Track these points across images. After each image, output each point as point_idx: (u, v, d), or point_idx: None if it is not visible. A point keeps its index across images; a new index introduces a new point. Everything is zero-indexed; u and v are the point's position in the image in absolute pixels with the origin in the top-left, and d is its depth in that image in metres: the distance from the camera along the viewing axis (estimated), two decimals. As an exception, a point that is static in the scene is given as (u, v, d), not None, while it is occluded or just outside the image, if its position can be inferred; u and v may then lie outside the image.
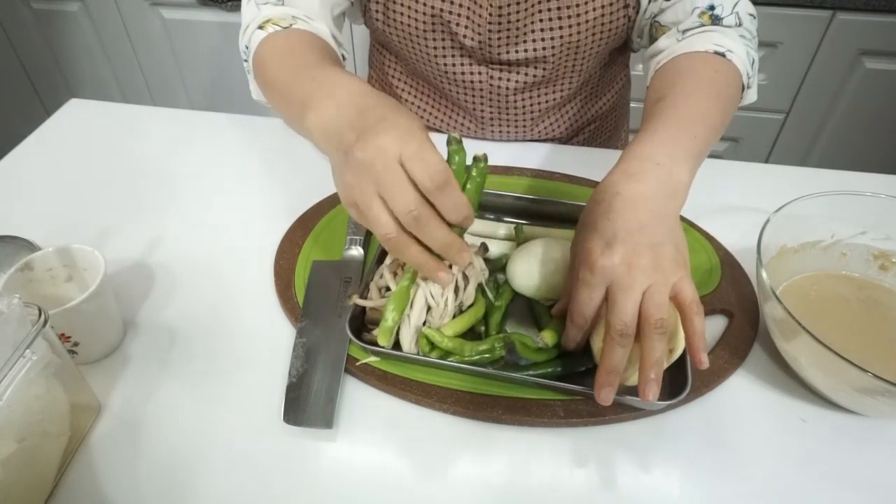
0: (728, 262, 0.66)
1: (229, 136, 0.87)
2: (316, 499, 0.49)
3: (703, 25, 0.70)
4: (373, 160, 0.45)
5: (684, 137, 0.55)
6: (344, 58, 0.73)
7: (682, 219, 0.71)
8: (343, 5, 0.75)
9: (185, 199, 0.76)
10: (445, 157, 0.49)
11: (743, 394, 0.56)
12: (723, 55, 0.65)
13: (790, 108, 1.49)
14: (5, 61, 1.84)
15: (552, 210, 0.70)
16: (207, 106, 1.82)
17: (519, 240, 0.66)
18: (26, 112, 1.96)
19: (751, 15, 0.71)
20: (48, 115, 0.91)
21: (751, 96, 0.71)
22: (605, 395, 0.47)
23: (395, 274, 0.59)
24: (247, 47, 0.69)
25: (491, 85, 0.80)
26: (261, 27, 0.67)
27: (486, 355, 0.55)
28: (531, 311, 0.61)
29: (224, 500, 0.49)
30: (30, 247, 0.65)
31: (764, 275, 0.53)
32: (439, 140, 0.85)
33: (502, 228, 0.68)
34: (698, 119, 0.58)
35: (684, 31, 0.70)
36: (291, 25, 0.67)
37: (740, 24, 0.69)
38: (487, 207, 0.71)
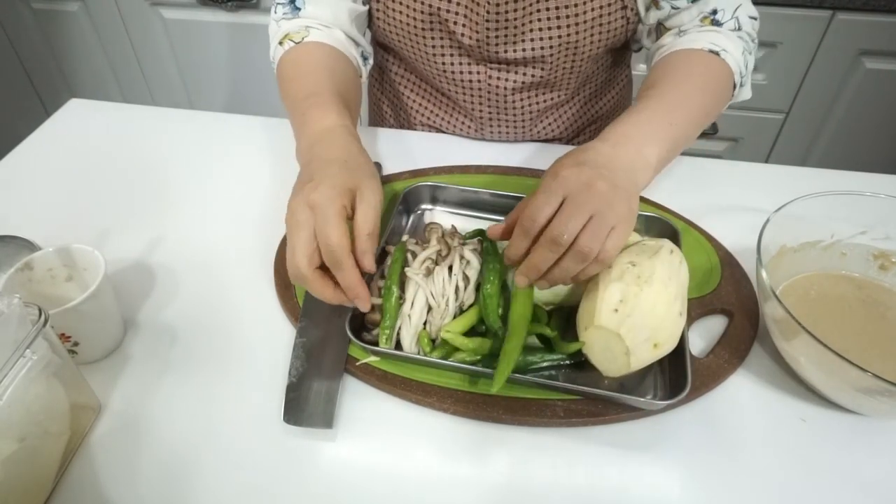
0: (728, 262, 0.66)
1: (230, 135, 0.87)
2: (316, 499, 0.49)
3: (702, 27, 0.72)
4: (314, 204, 0.52)
5: (661, 123, 0.61)
6: (365, 57, 0.79)
7: (682, 219, 0.71)
8: (362, 7, 0.77)
9: (186, 198, 0.76)
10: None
11: (743, 394, 0.56)
12: (717, 54, 0.69)
13: (790, 108, 1.49)
14: (5, 61, 1.83)
15: (552, 210, 0.70)
16: (207, 106, 1.82)
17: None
18: (26, 112, 1.95)
19: (752, 18, 0.73)
20: (48, 115, 0.91)
21: (745, 94, 0.74)
22: (521, 281, 0.54)
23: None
24: (272, 61, 0.77)
25: (489, 84, 0.80)
26: (280, 43, 0.74)
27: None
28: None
29: (224, 500, 0.49)
30: (30, 247, 0.65)
31: (764, 275, 0.53)
32: (442, 139, 0.85)
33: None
34: (679, 108, 0.63)
35: (686, 31, 0.73)
36: (304, 38, 0.72)
37: (739, 29, 0.72)
38: (487, 208, 0.71)
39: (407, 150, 0.82)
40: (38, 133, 0.88)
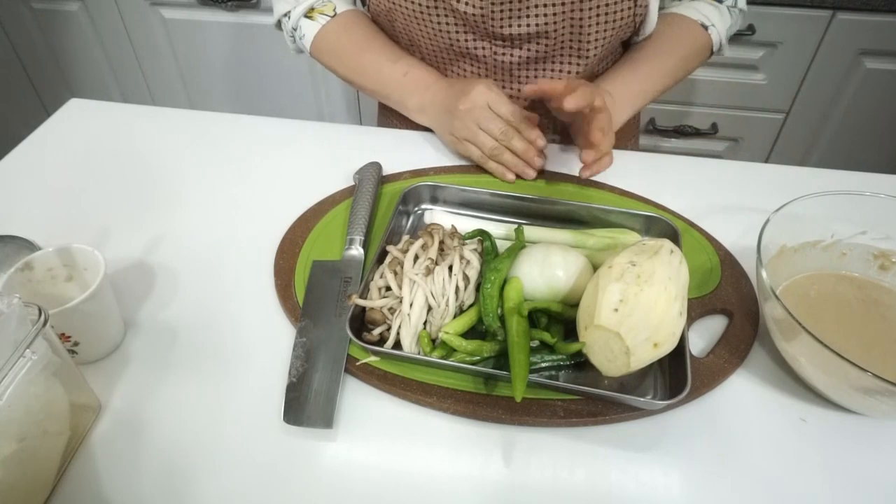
0: (728, 262, 0.66)
1: (229, 135, 0.87)
2: (316, 498, 0.49)
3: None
4: (471, 108, 0.75)
5: (640, 90, 0.80)
6: None
7: (682, 219, 0.71)
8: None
9: (186, 198, 0.76)
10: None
11: (743, 394, 0.56)
12: (705, 28, 0.82)
13: (790, 108, 1.49)
14: (5, 61, 1.83)
15: (552, 210, 0.70)
16: (207, 106, 1.82)
17: (519, 241, 0.66)
18: (26, 112, 1.95)
19: None
20: (48, 115, 0.91)
21: (724, 52, 0.87)
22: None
23: (395, 273, 0.59)
24: (294, 29, 0.86)
25: (496, 59, 0.80)
26: (308, 16, 0.83)
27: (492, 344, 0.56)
28: (530, 314, 0.61)
29: (224, 500, 0.49)
30: (30, 247, 0.65)
31: (764, 275, 0.53)
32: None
33: (502, 228, 0.68)
34: (660, 79, 0.81)
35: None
36: (336, 10, 0.83)
37: (735, 6, 0.84)
38: (487, 208, 0.71)
39: (407, 150, 0.82)
40: (38, 133, 0.88)
